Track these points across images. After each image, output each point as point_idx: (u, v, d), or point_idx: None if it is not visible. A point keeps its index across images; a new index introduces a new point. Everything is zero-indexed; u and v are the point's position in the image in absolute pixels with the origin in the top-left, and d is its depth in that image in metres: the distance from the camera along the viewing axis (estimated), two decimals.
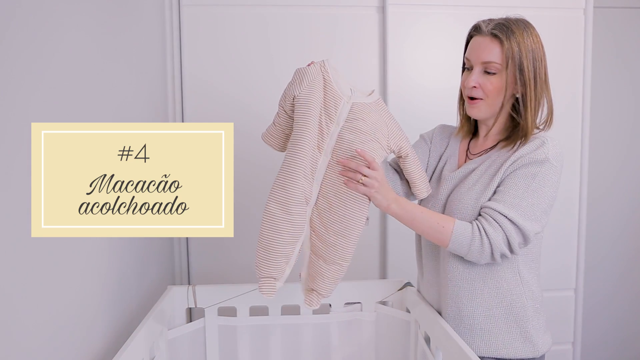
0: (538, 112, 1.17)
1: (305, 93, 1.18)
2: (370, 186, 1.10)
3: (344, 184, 1.14)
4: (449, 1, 1.91)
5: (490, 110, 1.18)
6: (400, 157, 1.25)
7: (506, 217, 1.09)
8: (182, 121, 1.90)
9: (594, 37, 1.97)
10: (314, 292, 1.21)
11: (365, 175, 1.10)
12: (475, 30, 1.18)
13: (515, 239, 1.11)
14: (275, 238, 1.17)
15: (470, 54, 1.18)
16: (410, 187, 1.31)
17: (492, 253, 1.11)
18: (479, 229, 1.10)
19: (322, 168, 1.19)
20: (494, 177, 1.16)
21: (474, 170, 1.21)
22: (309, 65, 1.21)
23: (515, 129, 1.19)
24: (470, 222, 1.12)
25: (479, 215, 1.14)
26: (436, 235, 1.13)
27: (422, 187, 1.27)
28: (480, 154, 1.24)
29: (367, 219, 1.21)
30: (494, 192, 1.15)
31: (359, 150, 1.11)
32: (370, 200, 1.16)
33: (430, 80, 1.94)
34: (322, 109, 1.19)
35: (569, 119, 1.97)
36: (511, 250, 1.12)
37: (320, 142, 1.18)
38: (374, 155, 1.18)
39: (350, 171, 1.12)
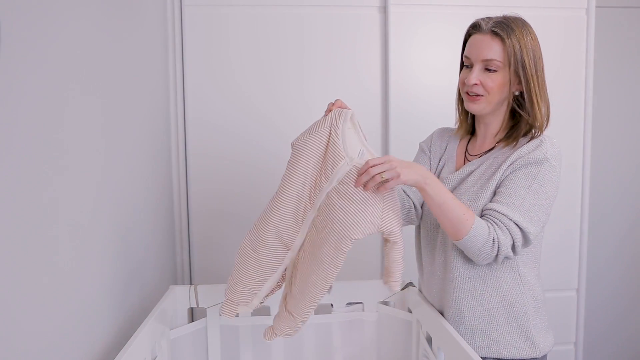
0: (544, 106, 1.17)
1: (300, 144, 1.14)
2: (392, 173, 1.01)
3: (365, 190, 1.04)
4: (451, 1, 1.91)
5: (490, 107, 1.18)
6: (388, 242, 1.08)
7: (512, 220, 1.10)
8: (184, 122, 1.90)
9: (596, 37, 1.97)
10: (271, 327, 1.24)
11: (380, 173, 1.01)
12: (474, 28, 1.19)
13: (520, 242, 1.11)
14: (241, 271, 1.20)
15: (470, 51, 1.18)
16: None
17: (497, 256, 1.12)
18: (493, 239, 1.09)
19: (309, 220, 1.14)
20: (493, 177, 1.16)
21: (472, 172, 1.21)
22: (327, 111, 1.14)
23: (515, 127, 1.19)
24: (487, 225, 1.10)
25: (487, 217, 1.12)
26: (457, 225, 1.08)
27: (398, 279, 1.10)
28: (478, 155, 1.24)
29: (331, 287, 1.15)
30: (494, 193, 1.15)
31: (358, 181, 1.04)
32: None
33: (432, 80, 1.93)
34: (322, 162, 1.12)
35: (571, 118, 1.97)
36: (514, 252, 1.13)
37: (312, 194, 1.13)
38: (357, 230, 1.04)
39: (365, 179, 1.03)
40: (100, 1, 1.16)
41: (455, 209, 1.08)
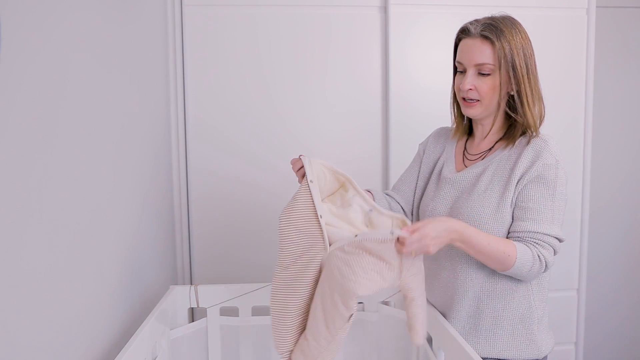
0: (537, 105, 1.17)
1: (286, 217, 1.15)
2: (423, 250, 1.01)
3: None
4: (452, 1, 1.91)
5: (486, 110, 1.19)
6: (407, 298, 1.05)
7: (551, 235, 1.12)
8: (185, 121, 1.91)
9: (596, 37, 1.97)
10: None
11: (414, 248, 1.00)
12: (464, 32, 1.19)
13: (558, 248, 1.15)
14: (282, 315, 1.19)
15: (462, 57, 1.18)
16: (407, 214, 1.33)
17: (545, 269, 1.14)
18: (539, 258, 1.11)
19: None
20: (507, 187, 1.15)
21: (480, 175, 1.20)
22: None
23: (511, 127, 1.20)
24: (529, 247, 1.11)
25: (528, 240, 1.12)
26: (502, 263, 1.09)
27: (422, 332, 1.04)
28: (479, 155, 1.24)
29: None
30: (514, 205, 1.15)
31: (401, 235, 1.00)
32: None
33: (432, 81, 1.93)
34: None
35: (571, 119, 1.97)
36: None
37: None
38: (361, 287, 0.99)
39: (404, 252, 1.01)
40: (100, 1, 1.16)
41: (495, 248, 1.09)
